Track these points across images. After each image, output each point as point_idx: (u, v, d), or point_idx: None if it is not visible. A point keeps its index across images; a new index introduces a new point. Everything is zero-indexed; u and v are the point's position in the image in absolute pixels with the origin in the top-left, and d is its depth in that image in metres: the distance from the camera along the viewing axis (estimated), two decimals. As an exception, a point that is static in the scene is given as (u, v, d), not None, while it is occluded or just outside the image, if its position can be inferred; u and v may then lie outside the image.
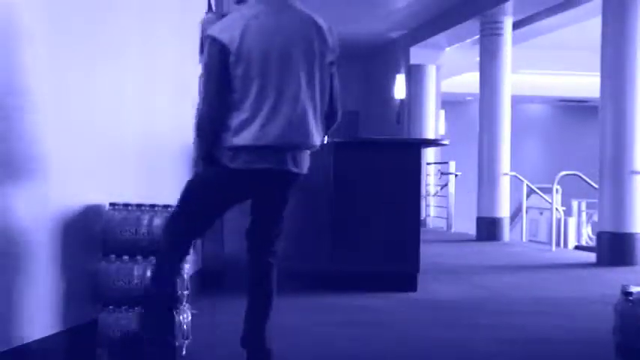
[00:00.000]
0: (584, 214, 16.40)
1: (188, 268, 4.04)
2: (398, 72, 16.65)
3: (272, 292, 3.76)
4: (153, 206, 4.00)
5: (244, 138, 3.44)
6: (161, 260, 3.63)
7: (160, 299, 3.60)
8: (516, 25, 12.98)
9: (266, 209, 3.73)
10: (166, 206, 3.98)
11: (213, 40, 3.45)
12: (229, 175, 3.53)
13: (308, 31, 3.56)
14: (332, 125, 3.74)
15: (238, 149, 3.46)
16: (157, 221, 3.91)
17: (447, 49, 15.81)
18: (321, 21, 3.63)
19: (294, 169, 3.60)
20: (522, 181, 13.35)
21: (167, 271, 3.61)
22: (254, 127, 3.43)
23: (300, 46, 3.52)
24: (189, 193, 3.62)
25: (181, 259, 3.70)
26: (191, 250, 3.76)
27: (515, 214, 15.58)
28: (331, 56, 3.62)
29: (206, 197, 3.62)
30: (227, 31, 3.45)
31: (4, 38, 3.23)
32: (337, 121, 3.74)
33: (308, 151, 3.65)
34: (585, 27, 12.84)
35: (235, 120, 3.45)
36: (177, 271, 3.70)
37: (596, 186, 9.98)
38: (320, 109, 3.59)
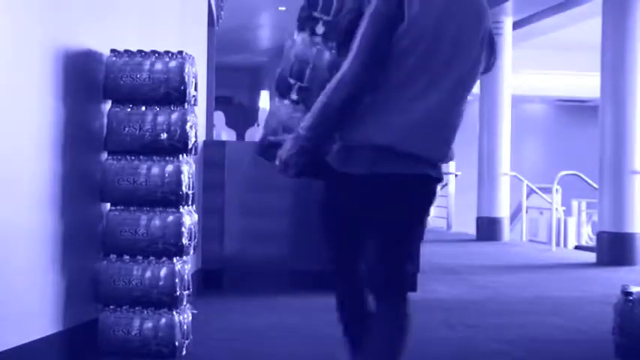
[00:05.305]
0: (584, 214, 16.36)
1: (189, 268, 4.04)
2: (398, 72, 16.63)
3: None
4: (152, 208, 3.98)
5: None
6: None
7: None
8: (516, 25, 12.97)
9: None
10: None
11: None
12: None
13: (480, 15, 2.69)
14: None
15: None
16: (156, 222, 3.89)
17: (447, 49, 15.79)
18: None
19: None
20: (522, 181, 13.35)
21: None
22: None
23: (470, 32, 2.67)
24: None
25: None
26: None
27: (515, 214, 15.57)
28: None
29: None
30: None
31: None
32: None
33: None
34: (585, 27, 12.83)
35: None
36: None
37: (596, 186, 9.98)
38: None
